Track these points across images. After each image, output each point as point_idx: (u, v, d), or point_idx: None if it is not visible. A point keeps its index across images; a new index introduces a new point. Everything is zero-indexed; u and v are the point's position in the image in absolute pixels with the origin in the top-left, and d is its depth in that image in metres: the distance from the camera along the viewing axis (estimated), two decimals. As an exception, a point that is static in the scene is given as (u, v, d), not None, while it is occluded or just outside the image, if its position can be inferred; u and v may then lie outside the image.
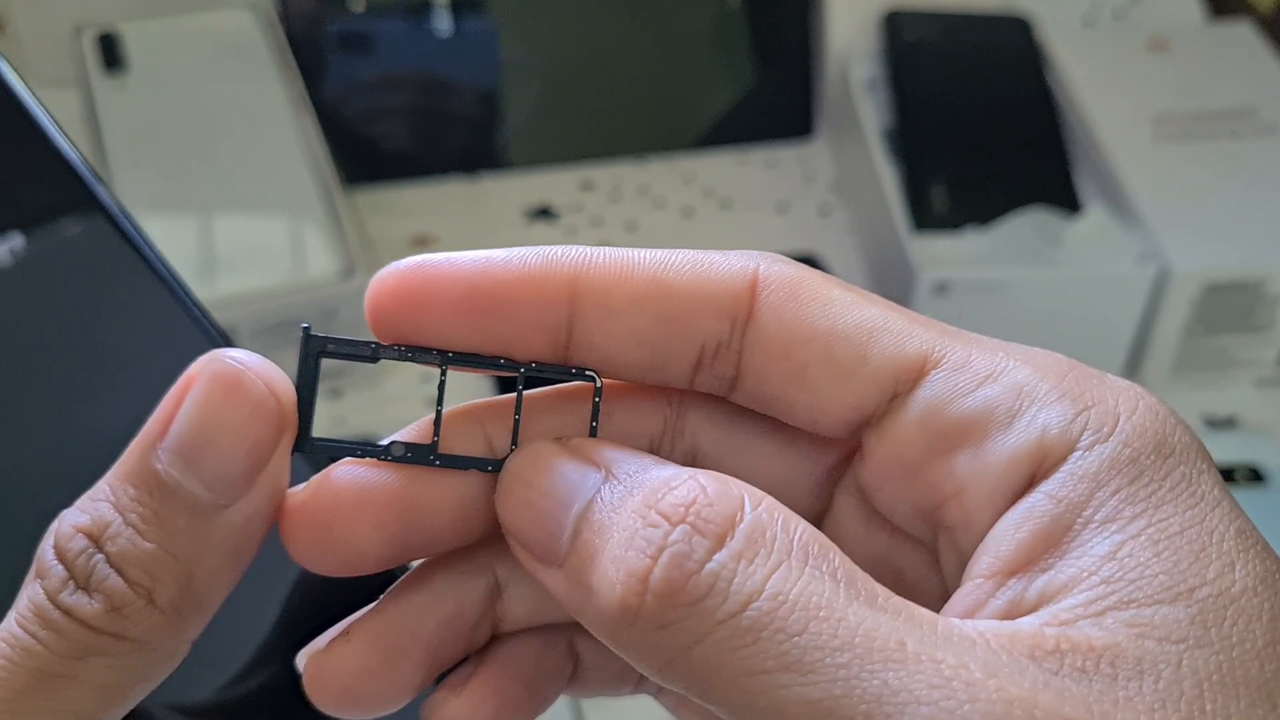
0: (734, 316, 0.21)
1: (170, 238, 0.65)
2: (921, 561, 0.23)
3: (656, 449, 0.23)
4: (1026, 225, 0.71)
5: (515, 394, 0.22)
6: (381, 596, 0.23)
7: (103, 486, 0.21)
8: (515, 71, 0.84)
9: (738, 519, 0.18)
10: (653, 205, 0.81)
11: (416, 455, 0.21)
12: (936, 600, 0.20)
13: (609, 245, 0.21)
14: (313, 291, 0.65)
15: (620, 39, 0.86)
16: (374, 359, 0.21)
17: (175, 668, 0.21)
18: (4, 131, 0.24)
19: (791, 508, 0.23)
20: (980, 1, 0.81)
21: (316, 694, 0.22)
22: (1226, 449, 0.65)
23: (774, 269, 0.21)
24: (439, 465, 0.21)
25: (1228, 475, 0.63)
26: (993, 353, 0.21)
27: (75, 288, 0.24)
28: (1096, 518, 0.19)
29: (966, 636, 0.18)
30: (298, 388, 0.21)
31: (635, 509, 0.19)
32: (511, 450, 0.22)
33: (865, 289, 0.22)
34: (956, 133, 0.75)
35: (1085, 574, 0.18)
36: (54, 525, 0.20)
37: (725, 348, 0.21)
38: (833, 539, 0.22)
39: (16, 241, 0.24)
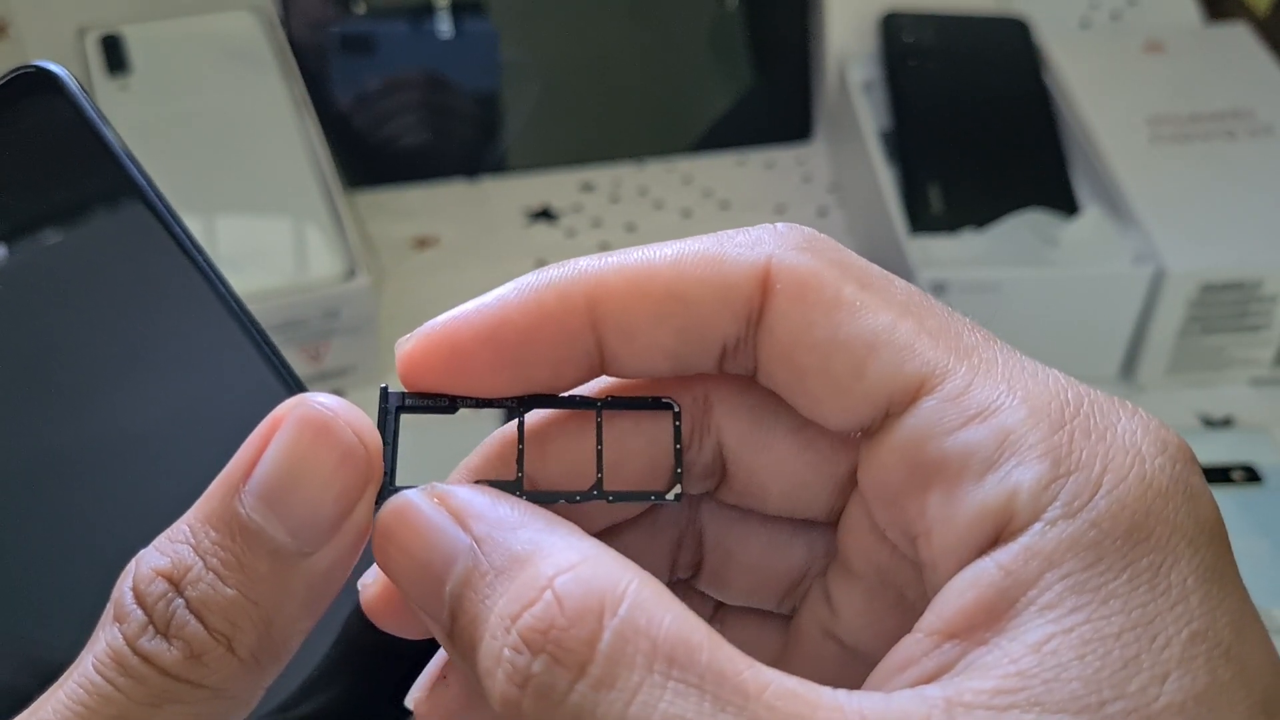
0: (748, 316, 0.21)
1: (173, 239, 0.65)
2: (918, 582, 0.22)
3: (686, 448, 0.23)
4: (1023, 226, 0.71)
5: (596, 422, 0.22)
6: None
7: (182, 527, 0.20)
8: (516, 73, 0.84)
9: (597, 640, 0.17)
10: (652, 206, 0.82)
11: (504, 488, 0.21)
12: None
13: (609, 248, 0.21)
14: (314, 292, 0.65)
15: (620, 41, 0.86)
16: (453, 409, 0.21)
17: (249, 714, 0.21)
18: (64, 136, 0.24)
19: (810, 507, 0.23)
20: (978, 3, 0.81)
21: None
22: (1222, 449, 0.65)
23: (786, 262, 0.21)
24: (525, 499, 0.21)
25: (1224, 475, 0.63)
26: (996, 382, 0.20)
27: (118, 285, 0.25)
28: (1040, 600, 0.18)
29: None
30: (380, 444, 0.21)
31: (501, 616, 0.18)
32: (599, 477, 0.22)
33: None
34: (954, 134, 0.76)
35: (1007, 660, 0.17)
36: (131, 566, 0.20)
37: (743, 343, 0.21)
38: (842, 545, 0.23)
39: (57, 239, 0.24)
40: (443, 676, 0.22)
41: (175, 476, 0.21)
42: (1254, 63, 0.79)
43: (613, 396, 0.22)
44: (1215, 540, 0.19)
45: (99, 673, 0.19)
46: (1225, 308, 0.69)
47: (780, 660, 0.24)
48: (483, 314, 0.21)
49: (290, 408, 0.20)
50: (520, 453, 0.22)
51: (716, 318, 0.21)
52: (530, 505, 0.20)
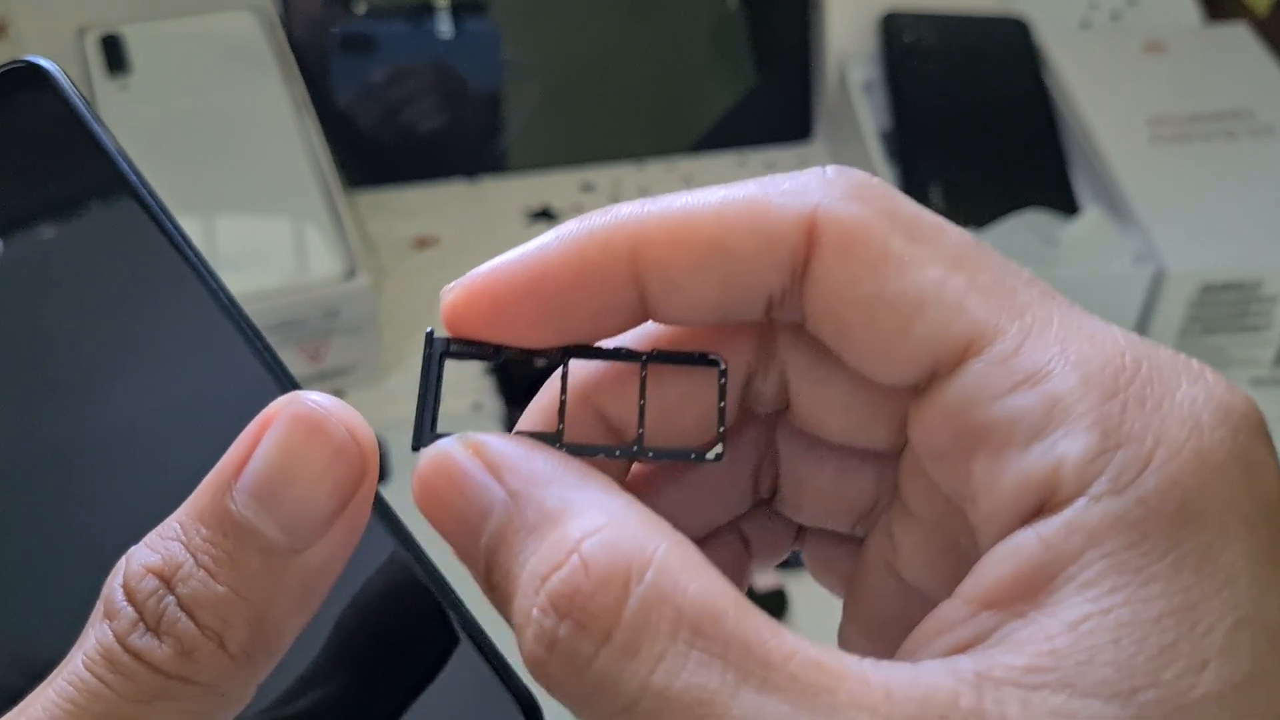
0: (793, 269, 0.20)
1: (173, 239, 0.65)
2: (971, 534, 0.21)
3: (750, 379, 0.23)
4: (1024, 226, 0.71)
5: (640, 376, 0.22)
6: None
7: (173, 525, 0.20)
8: (516, 73, 0.84)
9: (622, 607, 0.18)
10: (652, 206, 0.82)
11: (544, 440, 0.21)
12: None
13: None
14: (315, 291, 0.65)
15: (620, 42, 0.86)
16: (497, 358, 0.21)
17: (240, 712, 0.20)
18: (54, 131, 0.24)
19: (872, 440, 0.22)
20: (978, 3, 0.82)
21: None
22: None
23: (833, 212, 0.20)
24: (565, 450, 0.21)
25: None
26: (1048, 345, 0.19)
27: (109, 282, 0.25)
28: (1080, 578, 0.17)
29: (868, 709, 0.17)
30: (421, 388, 0.21)
31: (530, 577, 0.18)
32: (640, 433, 0.21)
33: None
34: (954, 134, 0.76)
35: (1042, 637, 0.17)
36: (121, 563, 0.20)
37: (790, 294, 0.21)
38: (901, 485, 0.22)
39: (51, 235, 0.24)
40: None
41: (167, 474, 0.21)
42: (1254, 63, 0.79)
43: (659, 350, 0.22)
44: (1275, 517, 0.18)
45: (89, 669, 0.19)
46: (1225, 308, 0.69)
47: (851, 584, 0.24)
48: (525, 264, 0.21)
49: (282, 405, 0.20)
50: (563, 404, 0.21)
51: (761, 269, 0.20)
52: (566, 458, 0.20)
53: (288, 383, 0.24)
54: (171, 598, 0.19)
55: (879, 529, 0.24)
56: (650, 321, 0.22)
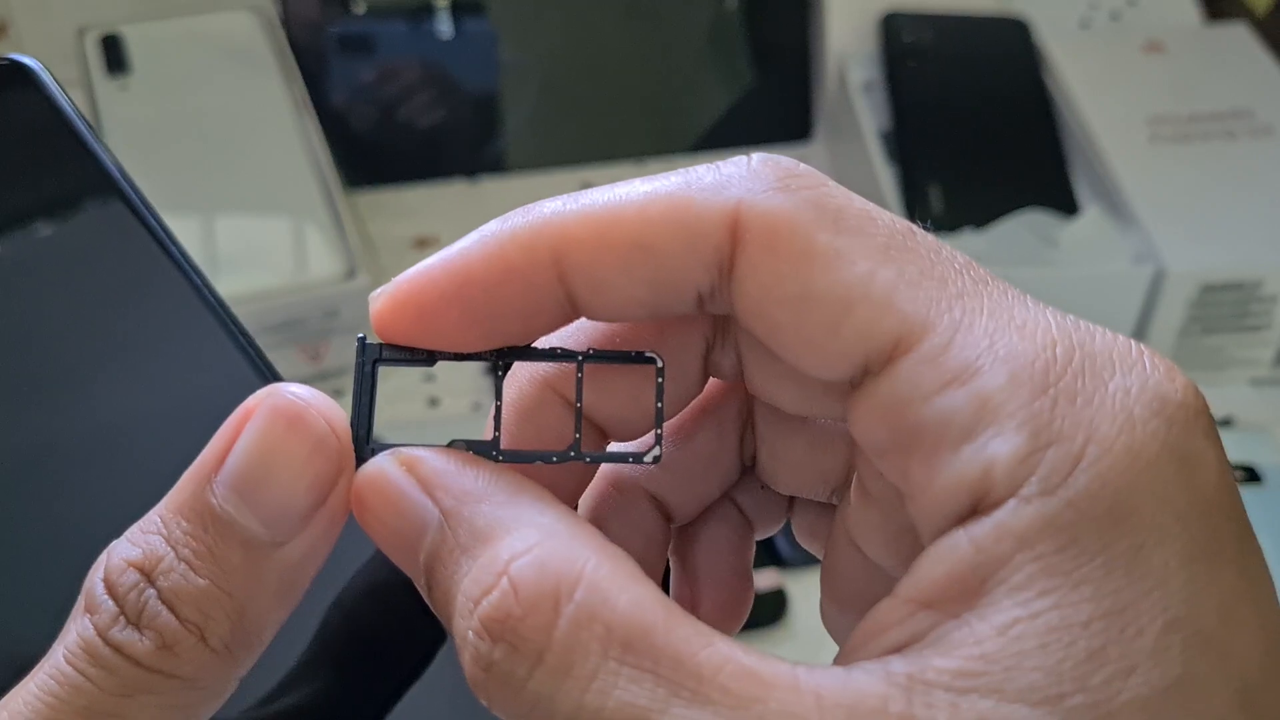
0: (719, 266, 0.20)
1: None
2: None
3: (709, 350, 0.22)
4: (1023, 226, 0.71)
5: (576, 377, 0.22)
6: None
7: (154, 518, 0.20)
8: (515, 73, 0.84)
9: (552, 627, 0.18)
10: (652, 206, 0.82)
11: (480, 450, 0.21)
12: None
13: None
14: (314, 292, 0.65)
15: (619, 42, 0.86)
16: (430, 362, 0.21)
17: (220, 705, 0.21)
18: (38, 129, 0.24)
19: (829, 412, 0.22)
20: (977, 4, 0.82)
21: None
22: (1222, 448, 0.65)
23: (757, 207, 0.19)
24: (502, 461, 0.21)
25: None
26: (978, 340, 0.18)
27: (93, 278, 0.25)
28: (1011, 581, 0.17)
29: (797, 717, 0.17)
30: (355, 395, 0.21)
31: (465, 600, 0.18)
32: (577, 438, 0.21)
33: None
34: (953, 134, 0.76)
35: (972, 640, 0.17)
36: (103, 557, 0.20)
37: (719, 290, 0.20)
38: (857, 466, 0.22)
39: (40, 232, 0.24)
40: None
41: (150, 469, 0.21)
42: (1254, 63, 0.79)
43: (595, 350, 0.22)
44: (1212, 512, 0.17)
45: (70, 663, 0.19)
46: (1225, 308, 0.69)
47: (825, 555, 0.24)
48: (446, 270, 0.20)
49: (262, 398, 0.20)
50: (498, 409, 0.21)
51: (686, 268, 0.20)
52: (499, 472, 0.20)
53: (270, 375, 0.24)
54: (152, 591, 0.19)
55: (845, 502, 0.23)
56: (580, 320, 0.21)
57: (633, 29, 0.86)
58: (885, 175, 0.74)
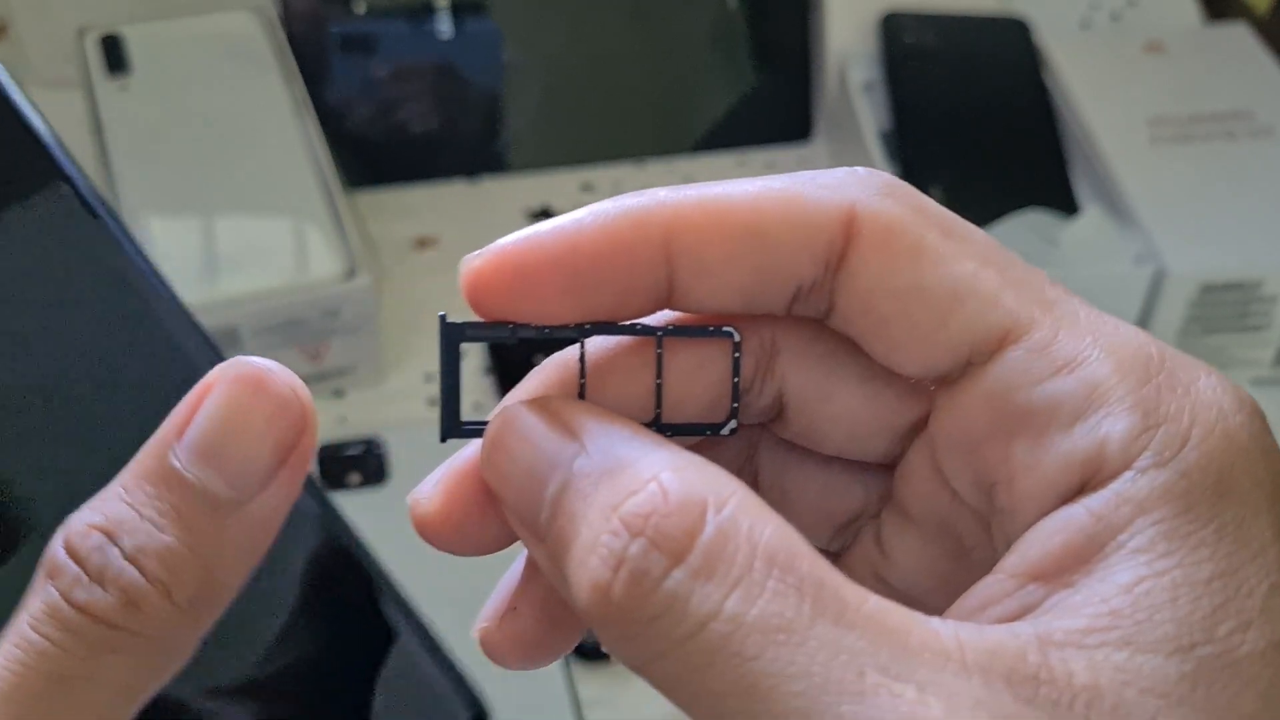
0: (827, 260, 0.21)
1: (173, 239, 0.65)
2: (979, 531, 0.22)
3: (746, 389, 0.23)
4: (1024, 227, 0.71)
5: (656, 353, 0.22)
6: (524, 560, 0.22)
7: (114, 488, 0.20)
8: (516, 73, 0.84)
9: (698, 530, 0.17)
10: (652, 207, 0.82)
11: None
12: (988, 573, 0.20)
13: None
14: (315, 292, 0.65)
15: (620, 42, 0.86)
16: (513, 339, 0.21)
17: (183, 665, 0.20)
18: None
19: (868, 452, 0.23)
20: (978, 3, 0.82)
21: (496, 659, 0.22)
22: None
23: (870, 207, 0.20)
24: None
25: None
26: (1081, 335, 0.20)
27: (46, 268, 0.24)
28: (1130, 544, 0.18)
29: (940, 653, 0.17)
30: (442, 374, 0.21)
31: (601, 508, 0.18)
32: (658, 412, 0.22)
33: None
34: (954, 135, 0.76)
35: (1097, 600, 0.18)
36: (62, 528, 0.20)
37: (819, 286, 0.21)
38: (900, 490, 0.23)
39: None
40: (513, 607, 0.22)
41: (103, 456, 0.21)
42: (1254, 63, 0.79)
43: (674, 325, 0.22)
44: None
45: (34, 630, 0.19)
46: (1225, 308, 0.69)
47: None
48: (556, 237, 0.21)
49: (223, 369, 0.20)
50: (582, 386, 0.21)
51: (796, 258, 0.21)
52: (632, 422, 0.20)
53: (210, 349, 0.24)
54: (116, 550, 0.19)
55: (864, 538, 0.24)
56: (665, 311, 0.22)
57: (634, 29, 0.86)
58: (885, 175, 0.74)
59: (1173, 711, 0.17)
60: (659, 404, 0.22)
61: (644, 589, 0.17)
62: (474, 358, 0.72)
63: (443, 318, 0.21)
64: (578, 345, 0.22)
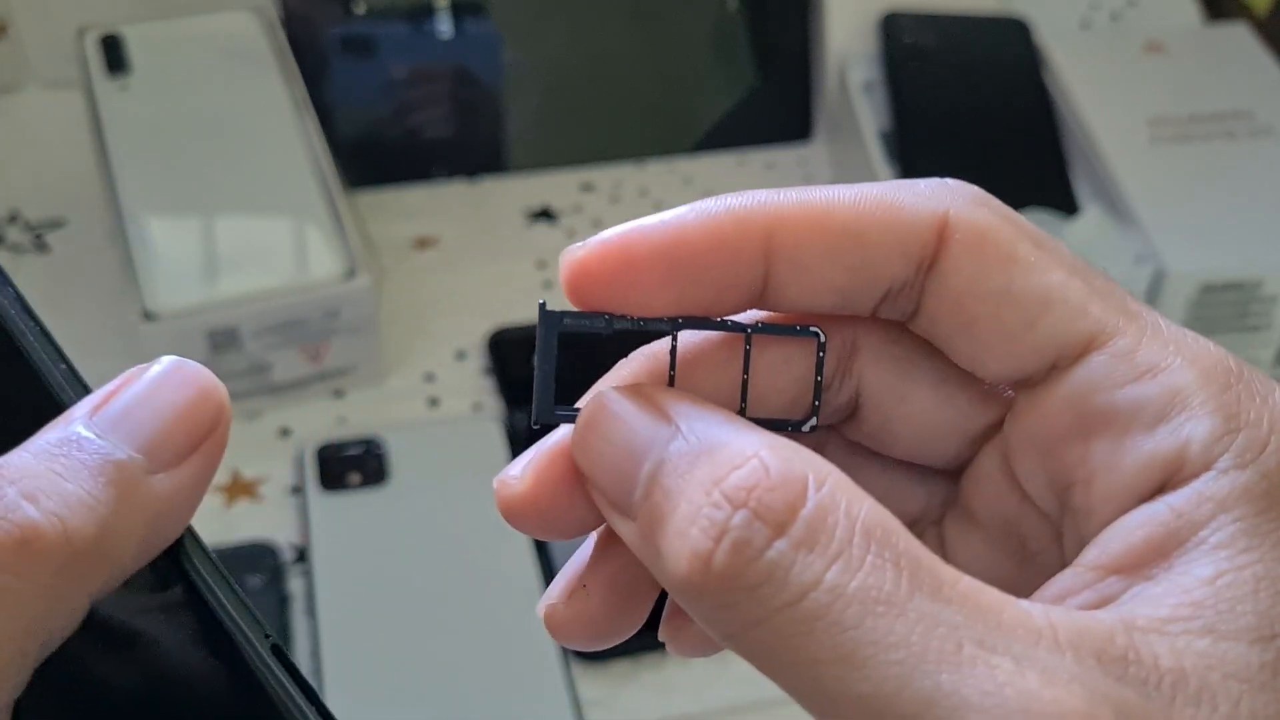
0: (920, 261, 0.22)
1: (173, 239, 0.65)
2: (1046, 533, 0.23)
3: (825, 387, 0.23)
4: (1024, 226, 0.71)
5: (744, 349, 0.23)
6: (596, 540, 0.23)
7: (15, 451, 0.19)
8: (516, 74, 0.84)
9: (800, 504, 0.18)
10: (653, 207, 0.81)
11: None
12: (1051, 576, 0.21)
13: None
14: (315, 292, 0.65)
15: (620, 42, 0.86)
16: (609, 329, 0.22)
17: (70, 632, 0.19)
18: None
19: (937, 456, 0.24)
20: (978, 4, 0.82)
21: (560, 637, 0.23)
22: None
23: (964, 215, 0.21)
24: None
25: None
26: (1163, 344, 0.21)
27: None
28: (1211, 540, 0.19)
29: (1033, 630, 0.18)
30: (539, 360, 0.22)
31: (701, 482, 0.19)
32: (742, 407, 0.22)
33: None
34: (954, 135, 0.76)
35: (1179, 591, 0.18)
36: None
37: (909, 287, 0.22)
38: (967, 493, 0.23)
39: None
40: (582, 585, 0.23)
41: None
42: (1254, 63, 0.79)
43: (763, 322, 0.23)
44: None
45: None
46: (1225, 308, 0.69)
47: None
48: (662, 230, 0.21)
49: (150, 363, 0.21)
50: (672, 378, 0.22)
51: (890, 260, 0.21)
52: (723, 409, 0.21)
53: (83, 389, 0.22)
54: (14, 489, 0.18)
55: (925, 542, 0.24)
56: (750, 311, 0.23)
57: (634, 29, 0.86)
58: (885, 175, 0.74)
59: (1256, 695, 0.18)
60: (744, 398, 0.22)
61: (746, 558, 0.18)
62: (474, 358, 0.72)
63: (542, 305, 0.22)
64: (667, 339, 0.22)
